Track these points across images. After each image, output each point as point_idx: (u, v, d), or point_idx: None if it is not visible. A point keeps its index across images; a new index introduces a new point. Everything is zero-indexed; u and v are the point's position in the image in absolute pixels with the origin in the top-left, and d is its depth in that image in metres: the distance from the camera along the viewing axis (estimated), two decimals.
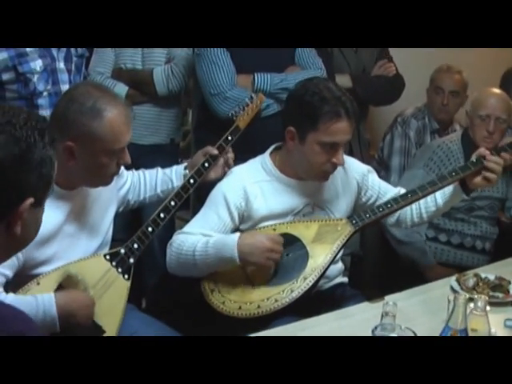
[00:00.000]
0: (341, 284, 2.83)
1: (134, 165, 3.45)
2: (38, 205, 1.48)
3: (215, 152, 2.72)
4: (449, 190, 2.73)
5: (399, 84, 3.73)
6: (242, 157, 2.83)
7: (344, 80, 3.56)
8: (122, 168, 2.65)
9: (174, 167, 2.80)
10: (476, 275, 2.63)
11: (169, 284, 2.69)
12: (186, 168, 2.77)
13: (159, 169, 2.81)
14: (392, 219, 2.84)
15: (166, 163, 3.06)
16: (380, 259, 3.50)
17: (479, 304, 1.95)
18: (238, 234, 2.50)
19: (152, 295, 3.60)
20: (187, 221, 2.77)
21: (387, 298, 2.45)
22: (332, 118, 2.47)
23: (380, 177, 3.74)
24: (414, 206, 2.79)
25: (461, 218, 3.38)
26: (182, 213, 4.08)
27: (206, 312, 2.54)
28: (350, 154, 3.63)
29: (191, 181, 2.65)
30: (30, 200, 1.42)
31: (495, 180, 2.65)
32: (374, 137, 4.19)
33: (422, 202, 2.77)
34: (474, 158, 2.68)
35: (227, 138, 2.77)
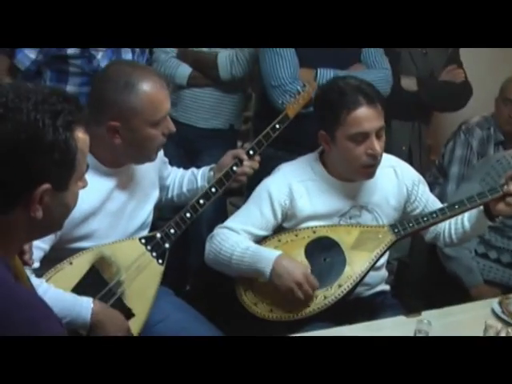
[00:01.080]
0: (382, 292, 2.77)
1: (192, 147, 3.51)
2: (62, 189, 1.46)
3: (244, 157, 2.64)
4: (475, 212, 2.61)
5: (467, 91, 3.62)
6: (296, 151, 2.79)
7: (410, 83, 3.48)
8: (167, 160, 2.66)
9: (202, 168, 2.76)
10: None
11: (210, 273, 2.66)
12: (211, 169, 2.72)
13: (192, 169, 2.79)
14: (430, 235, 2.76)
15: (224, 148, 3.04)
16: (427, 269, 3.40)
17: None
18: (278, 252, 2.47)
19: (195, 280, 3.61)
20: (239, 207, 2.74)
21: (424, 313, 2.40)
22: (352, 107, 2.42)
23: (438, 183, 3.70)
24: (446, 225, 2.70)
25: None
26: (235, 199, 4.08)
27: (238, 309, 2.53)
28: (409, 157, 3.59)
29: (234, 168, 2.61)
30: (46, 186, 1.40)
31: None
32: (437, 142, 4.09)
33: (453, 221, 2.68)
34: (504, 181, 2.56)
35: (275, 126, 2.70)
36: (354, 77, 2.61)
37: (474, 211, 2.60)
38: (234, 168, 2.61)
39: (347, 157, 2.49)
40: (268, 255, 2.45)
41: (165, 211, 3.39)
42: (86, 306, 2.18)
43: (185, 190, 2.74)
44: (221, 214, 3.45)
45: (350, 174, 2.56)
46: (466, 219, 2.65)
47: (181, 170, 2.80)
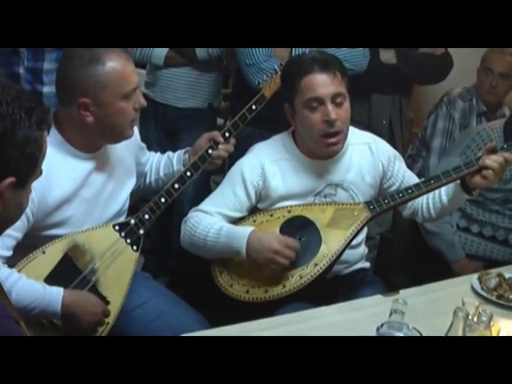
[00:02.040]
0: (361, 269, 2.75)
1: (171, 127, 3.49)
2: (21, 186, 1.45)
3: (220, 139, 2.61)
4: (451, 186, 2.59)
5: (447, 63, 3.56)
6: (272, 130, 2.76)
7: (388, 55, 3.42)
8: (144, 145, 2.63)
9: (178, 151, 2.72)
10: (499, 275, 2.49)
11: (189, 255, 2.64)
12: (185, 152, 2.69)
13: (168, 153, 2.75)
14: (408, 211, 2.72)
15: (203, 127, 3.02)
16: (409, 244, 3.39)
17: (483, 318, 1.85)
18: (251, 228, 2.45)
19: (174, 262, 3.60)
20: None
21: (403, 292, 2.38)
22: (305, 72, 2.43)
23: (421, 156, 3.68)
24: (424, 200, 2.67)
25: (495, 210, 3.21)
26: (218, 177, 4.05)
27: (216, 291, 2.51)
28: (390, 131, 3.56)
29: (209, 151, 2.58)
30: (11, 179, 1.40)
31: (493, 179, 2.46)
32: (419, 114, 4.06)
33: (430, 197, 2.65)
34: (481, 154, 2.53)
35: (251, 107, 2.66)
36: (317, 50, 2.57)
37: (451, 185, 2.57)
38: (210, 151, 2.58)
39: (306, 126, 2.48)
40: (241, 233, 2.44)
41: (147, 192, 3.38)
42: (55, 296, 2.15)
43: (162, 174, 2.71)
44: (204, 192, 3.42)
45: (315, 147, 2.52)
46: (443, 193, 2.62)
47: (158, 154, 2.77)
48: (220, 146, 2.60)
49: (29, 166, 1.44)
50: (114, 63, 2.20)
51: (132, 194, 2.57)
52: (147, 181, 2.74)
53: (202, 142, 2.64)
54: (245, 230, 2.45)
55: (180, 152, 2.70)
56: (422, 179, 2.60)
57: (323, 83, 2.42)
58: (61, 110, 2.29)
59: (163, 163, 2.71)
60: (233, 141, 2.63)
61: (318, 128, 2.45)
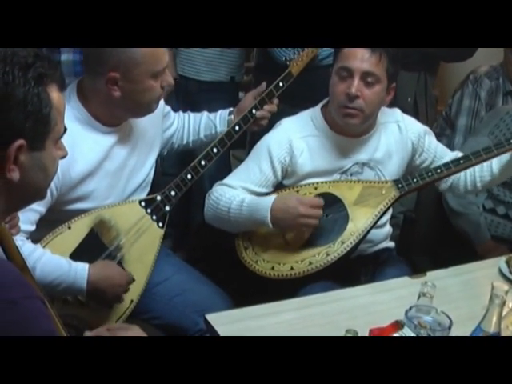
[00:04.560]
0: (386, 249, 2.73)
1: (192, 100, 3.45)
2: (38, 148, 1.40)
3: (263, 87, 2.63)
4: (506, 158, 2.56)
5: None
6: (300, 105, 2.71)
7: None
8: (169, 108, 2.60)
9: (219, 112, 2.70)
10: None
11: (211, 230, 2.62)
12: (230, 113, 2.67)
13: (205, 113, 2.72)
14: (445, 185, 2.70)
15: (225, 101, 2.99)
16: (433, 224, 3.34)
17: None
18: (272, 197, 2.43)
19: (196, 237, 3.58)
20: (242, 160, 2.69)
21: (430, 274, 2.35)
22: None
23: (445, 135, 3.62)
24: (468, 172, 2.65)
25: None
26: (238, 152, 4.03)
27: (240, 268, 2.48)
28: (415, 108, 3.53)
29: (236, 128, 2.57)
30: (20, 142, 1.35)
31: None
32: (444, 92, 4.01)
33: (477, 169, 2.63)
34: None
35: (278, 84, 2.65)
36: None
37: (507, 155, 2.55)
38: (253, 111, 2.60)
39: (331, 93, 2.48)
40: (263, 203, 2.41)
41: (167, 166, 3.35)
42: (81, 273, 2.13)
43: (202, 135, 2.69)
44: (224, 168, 3.40)
45: (334, 116, 2.50)
46: (494, 166, 2.61)
47: (191, 114, 2.74)
48: (265, 107, 2.61)
49: (38, 125, 1.38)
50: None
51: (160, 158, 2.57)
52: (184, 141, 2.71)
53: (247, 101, 2.65)
54: (267, 201, 2.42)
55: (223, 112, 2.69)
56: (451, 159, 2.57)
57: (360, 57, 2.39)
58: (87, 80, 2.26)
59: (203, 124, 2.68)
60: (276, 101, 2.64)
61: (339, 98, 2.44)
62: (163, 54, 2.22)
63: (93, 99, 2.24)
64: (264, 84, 2.66)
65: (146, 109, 2.30)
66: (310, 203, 2.39)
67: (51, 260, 2.11)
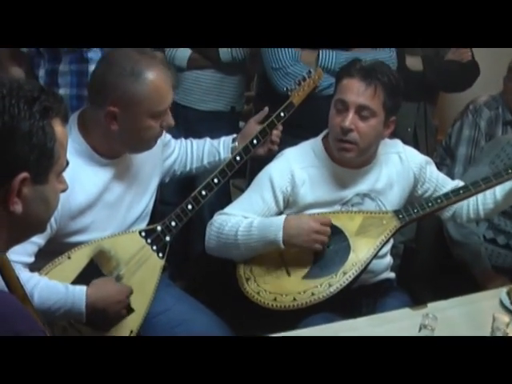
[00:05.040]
0: (387, 280, 2.73)
1: (193, 130, 3.45)
2: (40, 181, 1.40)
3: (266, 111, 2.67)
4: (509, 185, 2.58)
5: (473, 71, 3.54)
6: (301, 135, 2.72)
7: (415, 62, 3.41)
8: (169, 137, 2.61)
9: (223, 138, 2.71)
10: None
11: (212, 260, 2.61)
12: (234, 140, 2.68)
13: (207, 139, 2.73)
14: (447, 213, 2.71)
15: (226, 131, 2.99)
16: (434, 254, 3.33)
17: None
18: (283, 216, 2.43)
19: (196, 268, 3.57)
20: (242, 189, 2.69)
21: (431, 305, 2.34)
22: (347, 75, 2.44)
23: (445, 164, 3.63)
24: (471, 200, 2.66)
25: None
26: (238, 181, 4.03)
27: (241, 298, 2.47)
28: (415, 138, 3.54)
29: (237, 158, 2.57)
30: (24, 174, 1.35)
31: None
32: (443, 122, 4.02)
33: (480, 197, 2.64)
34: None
35: (279, 114, 2.67)
36: (374, 60, 2.56)
37: (508, 184, 2.57)
38: (254, 141, 2.61)
39: (329, 124, 2.50)
40: (274, 223, 2.41)
41: (167, 195, 3.35)
42: (79, 294, 2.11)
43: (205, 162, 2.69)
44: (224, 197, 3.40)
45: (333, 149, 2.51)
46: (498, 193, 2.62)
47: (194, 140, 2.74)
48: (274, 132, 2.65)
49: (42, 158, 1.38)
50: (155, 80, 2.16)
51: (162, 185, 2.58)
52: (187, 168, 2.70)
53: (250, 127, 2.67)
54: (278, 219, 2.43)
55: (226, 139, 2.70)
56: (451, 189, 2.59)
57: (355, 90, 2.40)
58: (89, 110, 2.27)
59: (207, 151, 2.69)
60: (280, 127, 2.67)
61: (335, 131, 2.45)
62: (167, 95, 2.22)
63: (93, 131, 2.24)
64: (266, 109, 2.69)
65: (144, 146, 2.30)
66: (322, 220, 2.40)
67: (48, 285, 2.10)
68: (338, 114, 2.44)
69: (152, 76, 2.16)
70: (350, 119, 2.40)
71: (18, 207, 1.37)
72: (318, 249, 2.41)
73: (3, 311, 1.29)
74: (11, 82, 1.36)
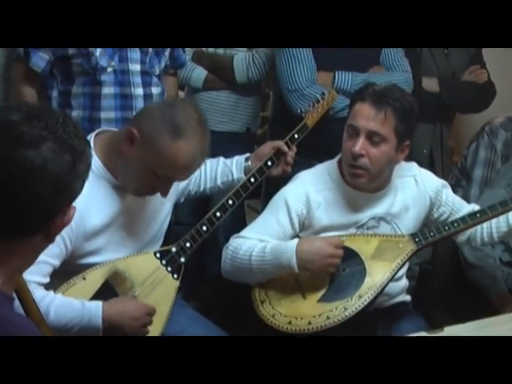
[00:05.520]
0: (402, 303, 2.71)
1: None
2: None
3: (285, 149, 2.63)
4: None
5: (490, 92, 3.54)
6: (316, 157, 2.73)
7: (431, 83, 3.41)
8: None
9: (236, 158, 2.70)
10: None
11: (227, 282, 2.60)
12: (247, 159, 2.67)
13: (221, 159, 2.72)
14: (462, 237, 2.69)
15: (241, 152, 2.98)
16: (449, 276, 3.30)
17: None
18: (296, 240, 2.42)
19: (211, 289, 3.56)
20: (257, 210, 2.69)
21: (447, 329, 2.31)
22: (360, 100, 2.42)
23: (461, 186, 3.61)
24: (485, 224, 2.63)
25: None
26: (253, 202, 4.03)
27: (255, 321, 2.46)
28: (431, 160, 3.53)
29: (252, 180, 2.56)
30: (74, 208, 1.39)
31: None
32: (459, 143, 4.01)
33: (494, 221, 2.62)
34: None
35: (293, 136, 2.67)
36: (388, 84, 2.54)
37: None
38: (269, 163, 2.60)
39: (342, 149, 2.49)
40: (287, 248, 2.39)
41: (181, 215, 3.35)
42: (95, 310, 2.12)
43: (219, 182, 2.67)
44: (238, 218, 3.40)
45: (346, 174, 2.51)
46: (511, 217, 2.60)
47: (207, 161, 2.68)
48: (289, 153, 2.64)
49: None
50: (185, 151, 2.12)
51: (176, 206, 2.58)
52: (201, 188, 2.68)
53: (266, 148, 2.65)
54: (291, 243, 2.41)
55: (239, 158, 2.68)
56: (468, 213, 2.57)
57: (366, 115, 2.39)
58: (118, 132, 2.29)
59: (220, 171, 2.67)
60: (294, 149, 2.66)
61: (346, 156, 2.45)
62: (184, 171, 2.21)
63: (112, 152, 2.24)
64: (280, 142, 2.68)
65: (128, 188, 2.26)
66: (335, 243, 2.39)
67: (64, 302, 2.10)
68: (350, 138, 2.43)
69: (186, 146, 2.12)
70: (360, 145, 2.39)
71: (55, 238, 1.42)
72: (331, 272, 2.40)
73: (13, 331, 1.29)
74: (69, 121, 1.39)
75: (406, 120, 2.42)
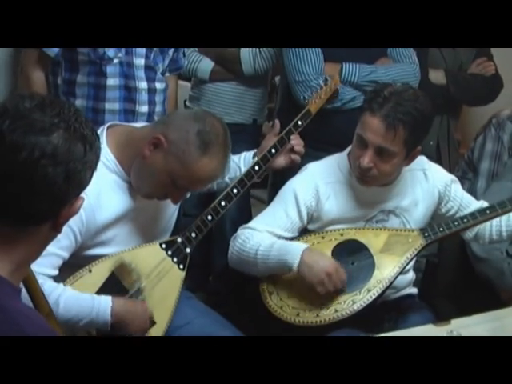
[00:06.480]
0: (409, 295, 2.71)
1: None
2: None
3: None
4: None
5: (497, 84, 3.53)
6: (323, 149, 2.73)
7: (438, 76, 3.40)
8: None
9: (243, 154, 2.69)
10: None
11: (234, 273, 2.60)
12: (255, 155, 2.65)
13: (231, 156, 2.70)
14: (470, 234, 2.68)
15: (248, 143, 2.99)
16: (456, 269, 3.30)
17: None
18: (305, 245, 2.41)
19: (217, 281, 3.56)
20: (263, 201, 2.68)
21: (454, 321, 2.31)
22: (371, 110, 2.35)
23: (467, 178, 3.60)
24: (494, 221, 2.62)
25: None
26: (259, 191, 4.02)
27: (263, 312, 2.46)
28: (437, 152, 3.52)
29: (256, 168, 2.55)
30: (82, 199, 1.38)
31: None
32: (466, 135, 4.00)
33: (503, 218, 2.60)
34: None
35: (297, 122, 2.65)
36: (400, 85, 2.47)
37: None
38: (273, 151, 2.58)
39: (350, 151, 2.48)
40: (296, 247, 2.39)
41: (188, 207, 3.34)
42: (104, 303, 2.12)
43: (227, 179, 2.65)
44: (244, 208, 3.39)
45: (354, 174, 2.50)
46: None
47: None
48: (293, 142, 2.61)
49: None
50: (208, 165, 2.14)
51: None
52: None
53: (269, 141, 2.63)
54: (300, 246, 2.40)
55: (247, 154, 2.67)
56: (477, 209, 2.57)
57: (375, 130, 2.34)
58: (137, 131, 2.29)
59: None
60: (301, 142, 2.64)
61: (354, 162, 2.44)
62: (201, 183, 2.22)
63: (127, 147, 2.24)
64: (277, 121, 2.69)
65: (139, 191, 2.26)
66: (339, 269, 2.36)
67: (73, 294, 2.11)
68: (359, 147, 2.40)
69: (209, 162, 2.13)
70: (368, 159, 2.36)
71: (62, 229, 1.41)
72: (319, 291, 2.35)
73: (30, 331, 1.27)
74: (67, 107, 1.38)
75: (417, 130, 2.38)
